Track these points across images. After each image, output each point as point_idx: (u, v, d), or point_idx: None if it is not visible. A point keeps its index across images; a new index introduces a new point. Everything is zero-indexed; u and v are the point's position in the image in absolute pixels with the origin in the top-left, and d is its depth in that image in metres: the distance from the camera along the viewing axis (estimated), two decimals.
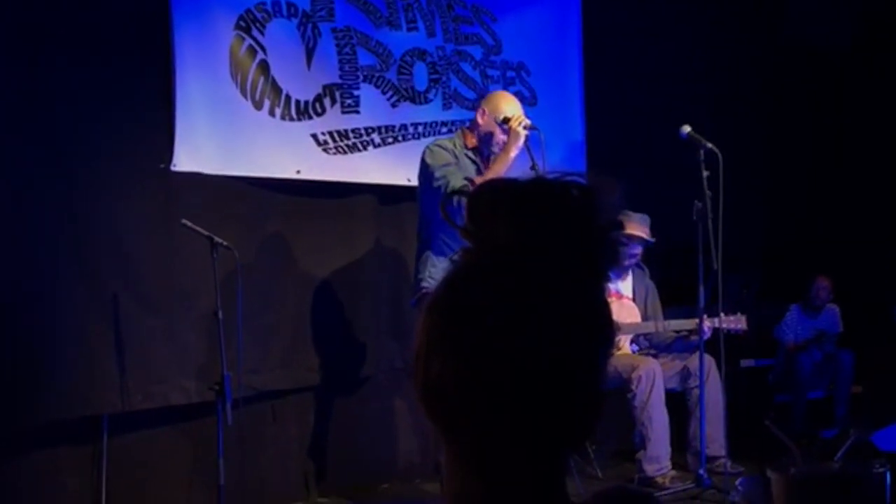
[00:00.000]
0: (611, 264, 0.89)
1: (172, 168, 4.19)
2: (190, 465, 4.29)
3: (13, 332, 3.80)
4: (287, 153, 4.60)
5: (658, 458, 4.65)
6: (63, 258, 3.94)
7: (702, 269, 4.44)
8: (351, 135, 4.83)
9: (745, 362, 6.25)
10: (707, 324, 4.65)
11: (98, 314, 4.01)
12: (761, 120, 6.76)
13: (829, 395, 6.33)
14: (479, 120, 4.20)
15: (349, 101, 4.82)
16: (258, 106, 4.50)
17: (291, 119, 4.62)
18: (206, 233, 3.86)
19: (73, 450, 4.03)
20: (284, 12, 4.62)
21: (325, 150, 4.73)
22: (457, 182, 3.93)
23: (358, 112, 4.85)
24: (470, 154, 4.19)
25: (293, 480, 4.68)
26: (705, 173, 4.34)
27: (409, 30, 5.11)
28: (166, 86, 4.21)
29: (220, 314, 3.81)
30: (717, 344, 4.57)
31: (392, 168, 4.93)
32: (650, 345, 5.23)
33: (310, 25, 4.71)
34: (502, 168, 4.01)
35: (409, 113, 5.07)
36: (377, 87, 4.94)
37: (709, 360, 4.73)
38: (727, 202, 4.34)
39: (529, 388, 0.82)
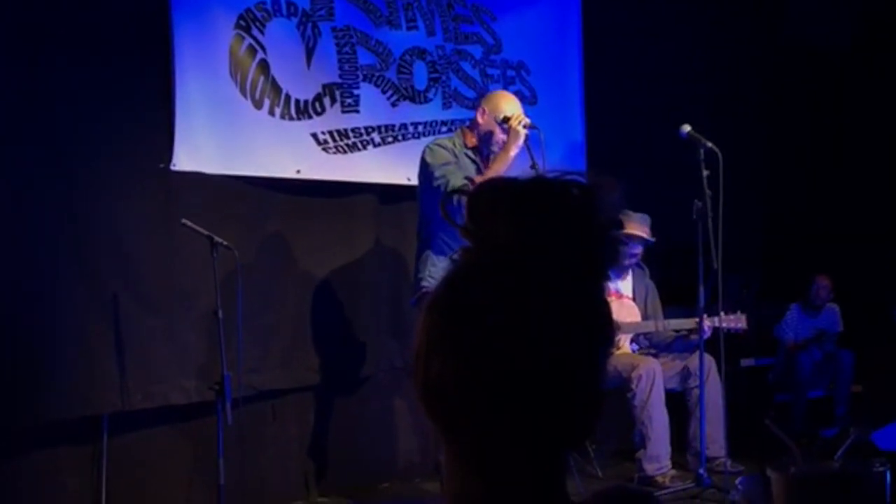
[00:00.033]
0: (611, 263, 0.89)
1: (172, 168, 4.19)
2: (190, 465, 4.29)
3: (13, 332, 3.80)
4: (287, 152, 4.60)
5: (658, 457, 4.65)
6: (63, 258, 3.94)
7: (702, 268, 4.44)
8: (351, 134, 4.83)
9: (746, 362, 6.26)
10: (707, 323, 4.65)
11: (98, 314, 4.01)
12: (761, 120, 6.76)
13: (829, 394, 6.33)
14: (479, 119, 4.20)
15: (349, 101, 4.82)
16: (258, 105, 4.50)
17: (291, 118, 4.62)
18: (206, 232, 3.86)
19: (73, 450, 4.02)
20: (284, 11, 4.62)
21: (324, 149, 4.73)
22: (457, 181, 3.93)
23: (358, 111, 4.85)
24: (470, 153, 4.19)
25: (293, 480, 4.68)
26: (705, 173, 4.34)
27: (408, 29, 5.11)
28: (166, 85, 4.21)
29: (220, 314, 3.81)
30: (717, 343, 4.57)
31: (392, 167, 4.92)
32: (650, 344, 5.23)
33: (309, 25, 4.71)
34: (502, 167, 4.01)
35: (409, 112, 5.07)
36: (377, 86, 4.94)
37: (709, 359, 4.73)
38: (727, 201, 4.34)
39: (529, 388, 0.82)
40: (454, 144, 4.18)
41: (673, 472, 4.67)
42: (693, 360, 4.80)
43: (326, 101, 4.74)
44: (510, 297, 0.83)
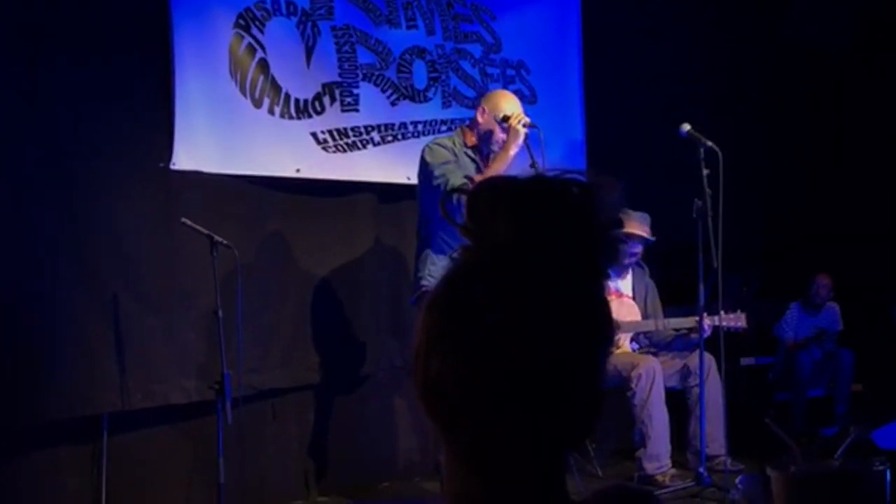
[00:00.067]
0: (611, 262, 0.89)
1: (172, 167, 4.19)
2: (190, 464, 4.29)
3: (13, 332, 3.80)
4: (287, 152, 4.60)
5: (658, 456, 4.65)
6: (63, 258, 3.94)
7: (702, 267, 4.44)
8: (350, 133, 4.83)
9: (745, 360, 6.26)
10: (707, 322, 4.65)
11: (98, 314, 4.01)
12: (761, 120, 6.76)
13: (829, 393, 6.33)
14: (479, 118, 4.20)
15: (349, 100, 4.82)
16: (257, 104, 4.50)
17: (291, 117, 4.61)
18: (205, 232, 3.86)
19: (73, 449, 4.03)
20: (284, 10, 4.62)
21: (324, 148, 4.73)
22: (456, 180, 3.93)
23: (357, 110, 4.85)
24: (469, 152, 4.19)
25: (293, 479, 4.68)
26: (705, 171, 4.34)
27: (408, 28, 5.11)
28: (166, 85, 4.21)
29: (220, 313, 3.81)
30: (717, 342, 4.57)
31: (392, 166, 4.93)
32: (650, 343, 5.23)
33: (309, 24, 4.71)
34: (502, 166, 4.01)
35: (409, 111, 5.07)
36: (377, 85, 4.94)
37: (709, 358, 4.73)
38: (727, 200, 4.34)
39: (529, 387, 0.82)
40: (454, 143, 4.18)
41: (673, 470, 4.67)
42: (693, 359, 4.80)
43: (326, 100, 4.74)
44: (510, 296, 0.83)
